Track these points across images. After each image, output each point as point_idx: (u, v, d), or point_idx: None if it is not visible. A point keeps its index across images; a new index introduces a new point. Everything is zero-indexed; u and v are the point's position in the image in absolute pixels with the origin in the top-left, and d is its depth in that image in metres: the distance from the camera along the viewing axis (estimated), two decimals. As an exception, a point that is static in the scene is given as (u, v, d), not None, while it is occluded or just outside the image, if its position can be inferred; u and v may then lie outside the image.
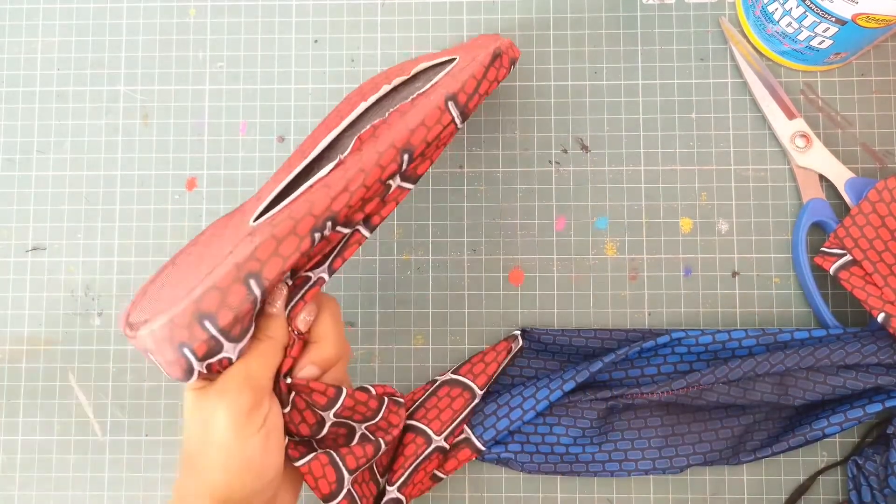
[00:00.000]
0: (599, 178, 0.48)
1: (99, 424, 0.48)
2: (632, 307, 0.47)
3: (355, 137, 0.38)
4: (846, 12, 0.41)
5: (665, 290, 0.47)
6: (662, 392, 0.43)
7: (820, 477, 0.46)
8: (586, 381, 0.44)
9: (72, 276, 0.49)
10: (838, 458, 0.46)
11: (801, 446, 0.44)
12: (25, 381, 0.48)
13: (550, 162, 0.49)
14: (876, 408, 0.42)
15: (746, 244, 0.48)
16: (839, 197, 0.46)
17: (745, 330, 0.44)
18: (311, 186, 0.36)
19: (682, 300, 0.47)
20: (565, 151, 0.49)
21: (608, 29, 0.49)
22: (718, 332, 0.44)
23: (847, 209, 0.46)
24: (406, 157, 0.36)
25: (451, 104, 0.37)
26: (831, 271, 0.44)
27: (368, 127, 0.39)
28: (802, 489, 0.45)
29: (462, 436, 0.44)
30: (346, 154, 0.38)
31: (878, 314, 0.42)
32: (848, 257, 0.43)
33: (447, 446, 0.44)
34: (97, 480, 0.48)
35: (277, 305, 0.35)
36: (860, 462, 0.44)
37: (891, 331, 0.41)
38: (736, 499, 0.46)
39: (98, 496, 0.47)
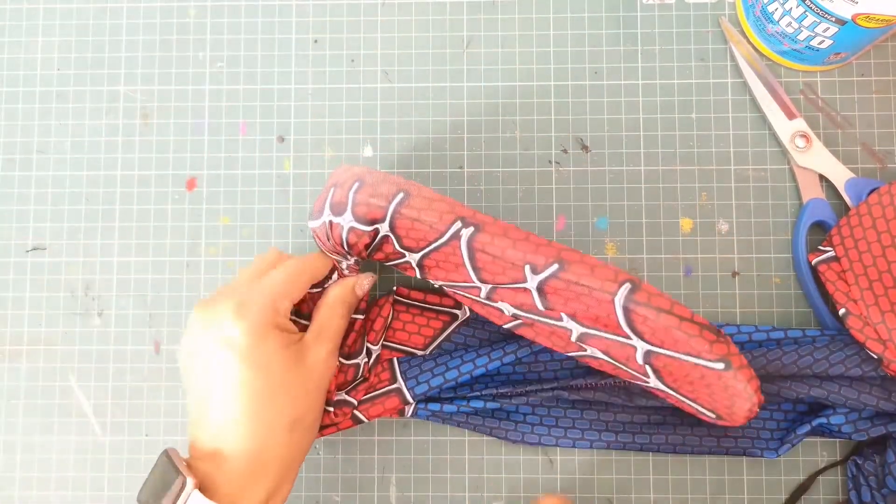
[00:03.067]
0: (599, 178, 0.48)
1: (99, 424, 0.48)
2: (632, 307, 0.47)
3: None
4: (846, 12, 0.41)
5: (665, 290, 0.47)
6: (605, 384, 0.44)
7: (820, 477, 0.46)
8: (526, 358, 0.44)
9: (72, 276, 0.49)
10: (838, 458, 0.46)
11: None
12: (25, 381, 0.48)
13: (550, 162, 0.49)
14: (804, 429, 0.43)
15: (746, 244, 0.48)
16: (839, 197, 0.46)
17: (738, 326, 0.44)
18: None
19: (682, 300, 0.47)
20: (565, 151, 0.49)
21: (608, 29, 0.49)
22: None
23: (847, 209, 0.46)
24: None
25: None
26: (813, 262, 0.45)
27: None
28: (802, 489, 0.45)
29: (394, 385, 0.44)
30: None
31: (840, 309, 0.43)
32: (831, 253, 0.44)
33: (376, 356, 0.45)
34: (97, 480, 0.48)
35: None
36: (860, 462, 0.44)
37: (846, 326, 0.42)
38: (736, 499, 0.46)
39: (98, 496, 0.47)
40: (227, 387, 0.36)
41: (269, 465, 0.36)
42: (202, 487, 0.34)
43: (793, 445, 0.44)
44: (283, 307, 0.39)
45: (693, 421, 0.45)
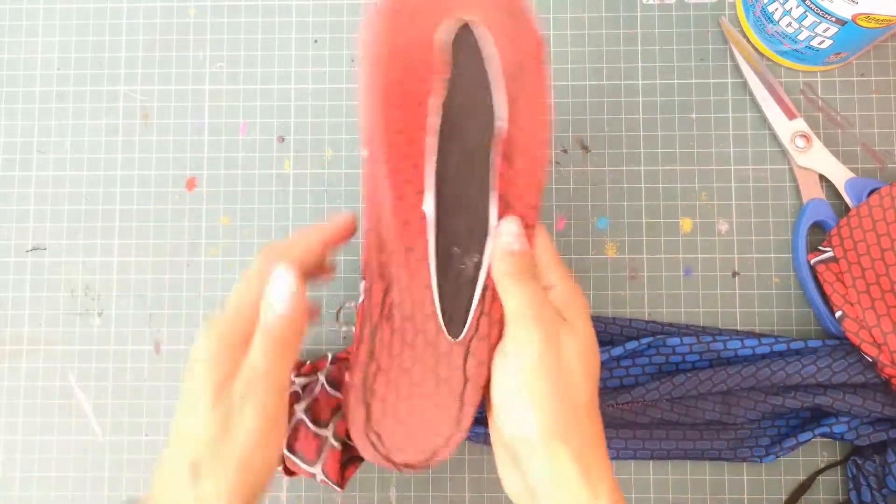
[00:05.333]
0: (599, 178, 0.48)
1: (99, 424, 0.48)
2: (632, 307, 0.47)
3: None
4: (846, 12, 0.41)
5: (665, 290, 0.47)
6: (608, 405, 0.44)
7: (820, 477, 0.46)
8: None
9: (72, 276, 0.49)
10: (838, 458, 0.46)
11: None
12: (25, 381, 0.48)
13: (550, 162, 0.49)
14: (807, 436, 0.44)
15: (746, 244, 0.48)
16: (839, 197, 0.46)
17: (742, 340, 0.44)
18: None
19: (682, 300, 0.47)
20: (565, 151, 0.49)
21: (608, 29, 0.49)
22: (704, 333, 0.45)
23: (847, 209, 0.46)
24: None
25: None
26: (812, 262, 0.44)
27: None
28: (802, 489, 0.45)
29: None
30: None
31: (837, 311, 0.43)
32: (830, 253, 0.44)
33: None
34: (97, 480, 0.48)
35: None
36: (860, 462, 0.44)
37: (842, 328, 0.42)
38: (736, 499, 0.46)
39: (98, 496, 0.47)
40: None
41: None
42: None
43: (793, 450, 0.44)
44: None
45: (687, 425, 0.45)
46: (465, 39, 0.35)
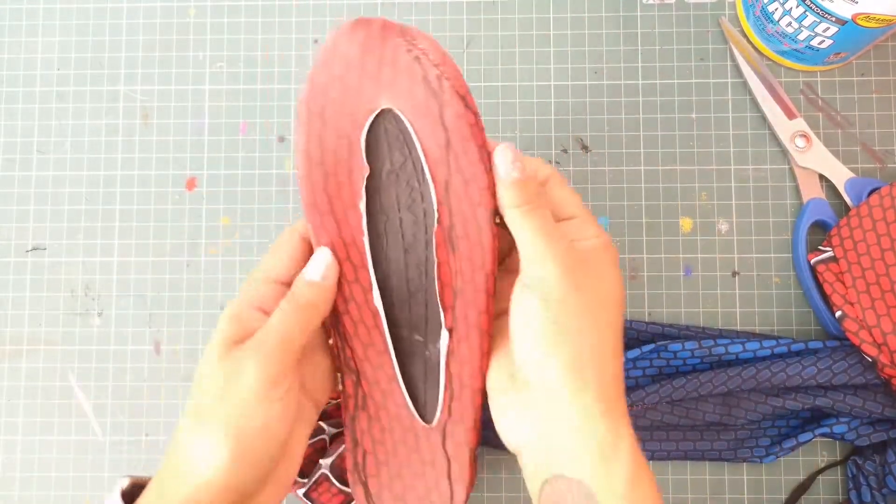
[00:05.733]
0: (599, 178, 0.48)
1: (99, 424, 0.48)
2: (632, 307, 0.47)
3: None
4: (846, 12, 0.41)
5: (665, 290, 0.47)
6: None
7: (820, 477, 0.46)
8: None
9: (72, 276, 0.49)
10: (838, 458, 0.46)
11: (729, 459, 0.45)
12: (25, 381, 0.48)
13: (550, 162, 0.49)
14: (807, 437, 0.44)
15: (746, 244, 0.48)
16: (839, 197, 0.46)
17: (743, 343, 0.44)
18: None
19: (682, 300, 0.47)
20: (565, 151, 0.49)
21: (608, 29, 0.49)
22: (705, 336, 0.45)
23: (847, 209, 0.46)
24: None
25: None
26: (812, 262, 0.44)
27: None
28: (802, 489, 0.45)
29: None
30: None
31: (837, 311, 0.43)
32: (830, 253, 0.44)
33: None
34: (97, 480, 0.48)
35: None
36: (860, 462, 0.44)
37: (842, 328, 0.42)
38: (736, 499, 0.46)
39: (98, 496, 0.47)
40: None
41: (177, 465, 0.33)
42: None
43: (793, 450, 0.44)
44: (252, 297, 0.35)
45: (687, 427, 0.45)
46: (390, 127, 0.33)
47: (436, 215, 0.32)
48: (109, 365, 0.48)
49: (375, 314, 0.34)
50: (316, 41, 0.50)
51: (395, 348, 0.35)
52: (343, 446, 0.42)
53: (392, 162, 0.33)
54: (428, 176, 0.32)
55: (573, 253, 0.32)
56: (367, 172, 0.33)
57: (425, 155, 0.32)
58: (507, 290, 0.33)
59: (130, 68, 0.50)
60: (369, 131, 0.32)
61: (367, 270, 0.34)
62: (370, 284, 0.34)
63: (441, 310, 0.33)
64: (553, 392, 0.31)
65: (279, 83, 0.50)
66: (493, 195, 0.32)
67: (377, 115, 0.32)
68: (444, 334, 0.33)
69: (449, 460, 0.35)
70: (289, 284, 0.34)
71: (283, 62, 0.50)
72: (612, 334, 0.32)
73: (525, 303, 0.32)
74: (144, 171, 0.50)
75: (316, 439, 0.43)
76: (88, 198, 0.50)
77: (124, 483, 0.34)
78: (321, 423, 0.44)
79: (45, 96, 0.50)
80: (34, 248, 0.49)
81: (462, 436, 0.34)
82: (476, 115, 0.32)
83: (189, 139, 0.50)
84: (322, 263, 0.34)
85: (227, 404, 0.32)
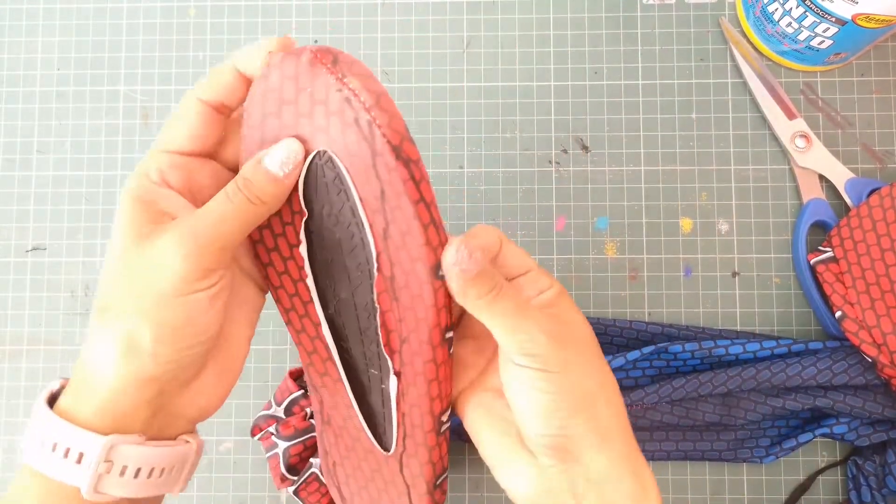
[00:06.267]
0: (599, 178, 0.48)
1: (99, 424, 0.48)
2: (632, 307, 0.47)
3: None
4: (846, 12, 0.41)
5: (665, 290, 0.47)
6: None
7: (820, 477, 0.46)
8: None
9: (72, 276, 0.49)
10: (838, 458, 0.46)
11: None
12: (25, 381, 0.48)
13: (550, 162, 0.49)
14: (807, 437, 0.44)
15: (746, 244, 0.48)
16: (839, 197, 0.46)
17: (744, 345, 0.44)
18: None
19: (682, 300, 0.47)
20: (565, 151, 0.49)
21: (608, 29, 0.49)
22: (705, 336, 0.45)
23: (847, 209, 0.46)
24: None
25: None
26: (812, 262, 0.44)
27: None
28: (802, 489, 0.45)
29: None
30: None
31: (837, 311, 0.43)
32: (830, 253, 0.44)
33: None
34: (97, 480, 0.48)
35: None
36: (860, 462, 0.44)
37: (842, 328, 0.42)
38: (736, 499, 0.46)
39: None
40: None
41: (87, 364, 0.29)
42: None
43: (793, 451, 0.44)
44: (151, 167, 0.30)
45: (687, 427, 0.45)
46: (328, 170, 0.30)
47: (375, 264, 0.31)
48: (109, 365, 0.48)
49: (327, 347, 0.34)
50: (316, 41, 0.50)
51: (353, 378, 0.34)
52: None
53: (332, 205, 0.31)
54: (366, 223, 0.30)
55: (548, 317, 0.30)
56: (304, 216, 0.31)
57: (362, 202, 0.30)
58: (469, 356, 0.33)
59: (130, 68, 0.50)
60: (308, 171, 0.30)
61: (315, 306, 0.33)
62: (319, 320, 0.33)
63: (388, 355, 0.32)
64: (580, 455, 0.30)
65: (279, 83, 0.50)
66: (433, 250, 0.29)
67: (314, 156, 0.30)
68: (393, 379, 0.32)
69: (408, 487, 0.34)
70: (193, 155, 0.31)
71: (283, 62, 0.50)
72: (609, 377, 0.32)
73: (524, 381, 0.30)
74: (144, 171, 0.50)
75: (307, 437, 0.43)
76: (88, 198, 0.50)
77: (54, 385, 0.30)
78: (312, 421, 0.43)
79: (45, 96, 0.50)
80: (34, 248, 0.49)
81: (417, 468, 0.33)
82: (411, 164, 0.28)
83: (189, 139, 0.50)
84: (285, 152, 0.29)
85: (142, 300, 0.28)
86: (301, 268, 0.32)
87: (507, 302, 0.29)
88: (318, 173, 0.30)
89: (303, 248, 0.32)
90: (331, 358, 0.34)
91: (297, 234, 0.32)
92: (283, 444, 0.43)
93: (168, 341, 0.28)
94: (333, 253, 0.32)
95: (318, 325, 0.33)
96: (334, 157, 0.29)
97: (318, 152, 0.30)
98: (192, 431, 0.32)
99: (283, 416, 0.44)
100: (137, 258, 0.28)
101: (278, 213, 0.32)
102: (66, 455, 0.28)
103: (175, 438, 0.31)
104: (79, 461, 0.28)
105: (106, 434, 0.28)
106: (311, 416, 0.44)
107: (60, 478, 0.28)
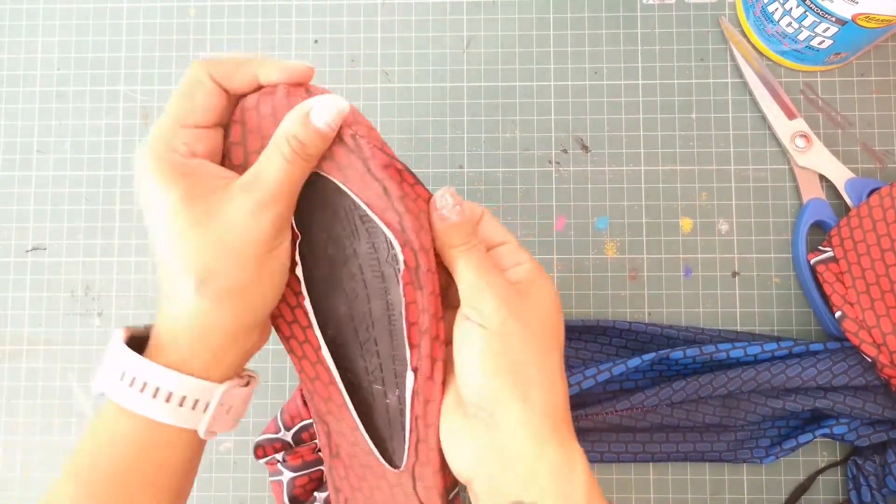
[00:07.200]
0: (599, 178, 0.48)
1: (99, 424, 0.48)
2: (632, 307, 0.47)
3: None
4: (846, 12, 0.41)
5: (665, 290, 0.47)
6: (607, 413, 0.44)
7: (820, 477, 0.46)
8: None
9: (72, 276, 0.49)
10: (838, 458, 0.46)
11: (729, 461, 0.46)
12: (25, 381, 0.48)
13: (550, 162, 0.49)
14: (807, 437, 0.44)
15: (746, 244, 0.48)
16: (839, 197, 0.46)
17: (744, 349, 0.44)
18: None
19: (682, 300, 0.47)
20: (565, 151, 0.49)
21: (608, 29, 0.49)
22: (705, 337, 0.45)
23: (847, 209, 0.46)
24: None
25: None
26: (812, 262, 0.44)
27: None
28: (802, 489, 0.45)
29: None
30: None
31: (836, 311, 0.43)
32: (830, 253, 0.44)
33: None
34: (97, 480, 0.48)
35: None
36: (860, 462, 0.44)
37: (842, 328, 0.42)
38: (736, 499, 0.46)
39: (98, 496, 0.47)
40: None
41: (178, 332, 0.31)
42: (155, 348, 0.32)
43: (793, 451, 0.44)
44: (177, 143, 0.31)
45: (687, 429, 0.45)
46: (325, 190, 0.33)
47: (401, 258, 0.32)
48: (109, 365, 0.48)
49: (329, 370, 0.34)
50: (316, 41, 0.50)
51: (356, 400, 0.35)
52: None
53: (324, 222, 0.33)
54: (381, 223, 0.32)
55: (509, 284, 0.32)
56: (298, 239, 0.33)
57: (370, 207, 0.32)
58: (451, 323, 0.34)
59: (130, 68, 0.50)
60: (302, 198, 0.32)
61: (314, 330, 0.34)
62: (319, 344, 0.34)
63: (408, 349, 0.33)
64: (501, 418, 0.31)
65: (279, 83, 0.50)
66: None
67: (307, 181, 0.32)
68: (410, 375, 0.33)
69: (421, 503, 0.35)
70: (209, 127, 0.32)
71: (283, 62, 0.50)
72: (554, 358, 0.33)
73: (467, 333, 0.32)
74: (144, 171, 0.50)
75: (313, 470, 0.43)
76: (88, 198, 0.50)
77: (121, 334, 0.32)
78: (319, 453, 0.43)
79: (45, 96, 0.50)
80: (34, 248, 0.49)
81: (430, 479, 0.34)
82: (395, 160, 0.32)
83: (189, 139, 0.50)
84: (333, 107, 0.31)
85: (235, 261, 0.30)
86: (298, 293, 0.34)
87: (475, 259, 0.33)
88: (309, 196, 0.33)
89: (298, 269, 0.33)
90: (333, 382, 0.34)
91: (292, 256, 0.33)
92: (288, 474, 0.43)
93: (259, 294, 0.31)
94: (328, 270, 0.34)
95: (318, 349, 0.34)
96: (328, 175, 0.32)
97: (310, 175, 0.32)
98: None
99: (291, 442, 0.44)
100: (216, 227, 0.30)
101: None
102: (169, 400, 0.31)
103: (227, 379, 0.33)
104: (181, 404, 0.31)
105: (220, 381, 0.32)
106: (320, 450, 0.44)
107: (171, 421, 0.31)
